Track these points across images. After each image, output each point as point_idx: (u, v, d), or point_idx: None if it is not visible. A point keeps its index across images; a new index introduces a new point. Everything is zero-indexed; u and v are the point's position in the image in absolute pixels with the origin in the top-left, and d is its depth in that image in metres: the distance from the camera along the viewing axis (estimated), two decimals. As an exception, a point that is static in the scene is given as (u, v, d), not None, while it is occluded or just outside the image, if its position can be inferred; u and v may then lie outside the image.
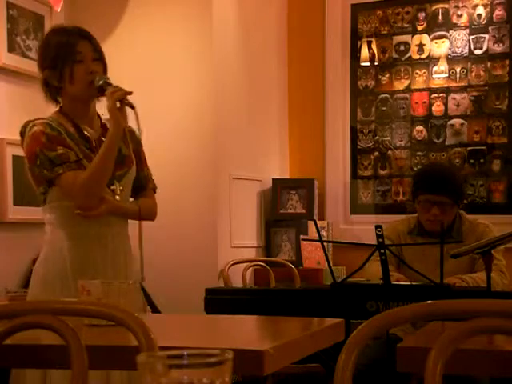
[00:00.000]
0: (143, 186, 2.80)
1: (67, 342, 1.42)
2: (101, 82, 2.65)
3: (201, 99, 4.27)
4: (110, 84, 2.65)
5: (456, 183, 3.40)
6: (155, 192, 2.85)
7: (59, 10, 4.12)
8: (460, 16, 4.69)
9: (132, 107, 2.62)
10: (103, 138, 2.69)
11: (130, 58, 4.27)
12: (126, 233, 2.75)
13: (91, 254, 2.62)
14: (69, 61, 2.62)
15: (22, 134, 2.66)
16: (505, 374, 1.62)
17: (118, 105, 2.59)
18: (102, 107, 2.78)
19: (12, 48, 4.02)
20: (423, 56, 4.77)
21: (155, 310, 3.39)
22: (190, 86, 4.29)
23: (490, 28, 4.63)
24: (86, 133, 2.68)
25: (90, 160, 2.62)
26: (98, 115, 2.79)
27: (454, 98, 4.70)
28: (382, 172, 4.87)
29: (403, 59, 4.82)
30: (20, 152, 4.03)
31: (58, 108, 2.72)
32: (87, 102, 2.70)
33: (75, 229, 2.62)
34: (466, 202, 4.58)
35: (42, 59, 2.68)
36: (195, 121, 4.26)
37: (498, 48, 4.61)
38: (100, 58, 2.69)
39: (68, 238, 2.61)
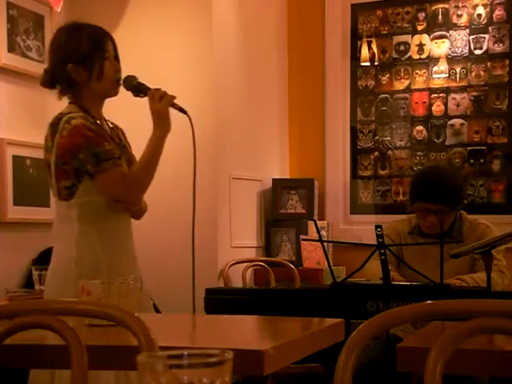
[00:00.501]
0: None
1: (67, 342, 1.42)
2: (134, 83, 2.71)
3: (201, 99, 4.27)
4: (144, 84, 2.71)
5: (453, 189, 3.36)
6: None
7: (59, 10, 4.13)
8: (460, 16, 4.69)
9: (184, 112, 2.70)
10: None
11: (130, 57, 4.25)
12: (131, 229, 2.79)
13: (119, 249, 2.66)
14: (99, 58, 2.65)
15: (55, 126, 2.59)
16: (505, 374, 1.62)
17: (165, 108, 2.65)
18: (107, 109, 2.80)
19: (12, 48, 4.02)
20: (423, 56, 4.77)
21: (155, 310, 3.39)
22: (190, 86, 4.29)
23: (490, 28, 4.63)
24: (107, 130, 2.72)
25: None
26: None
27: (454, 98, 4.70)
28: (381, 172, 4.87)
29: (403, 59, 4.82)
30: (20, 152, 4.05)
31: (70, 102, 2.70)
32: (104, 99, 2.73)
33: (104, 225, 2.63)
34: (465, 202, 4.58)
35: (67, 54, 2.65)
36: (195, 121, 4.24)
37: (498, 48, 4.61)
38: (117, 57, 2.74)
39: (98, 234, 2.61)
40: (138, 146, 2.78)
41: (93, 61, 2.64)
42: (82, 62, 2.64)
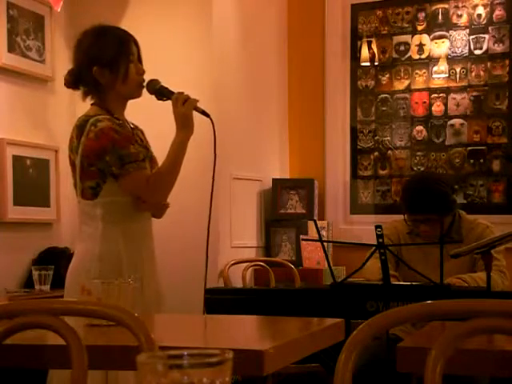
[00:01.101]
0: None
1: (67, 342, 1.42)
2: (157, 87, 2.74)
3: (201, 99, 4.26)
4: (167, 88, 2.75)
5: (439, 198, 3.32)
6: None
7: (59, 10, 4.13)
8: (460, 16, 4.69)
9: (207, 115, 2.73)
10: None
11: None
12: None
13: (140, 247, 2.69)
14: (124, 61, 2.67)
15: (82, 127, 2.62)
16: (505, 374, 1.62)
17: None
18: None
19: (12, 48, 4.02)
20: (423, 56, 4.77)
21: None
22: (189, 86, 4.28)
23: (489, 28, 4.63)
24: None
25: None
26: None
27: (454, 98, 4.70)
28: (381, 172, 4.87)
29: (403, 59, 4.82)
30: (20, 152, 4.05)
31: (93, 104, 2.72)
32: (127, 101, 2.76)
33: (127, 223, 2.66)
34: (465, 201, 4.58)
35: (93, 57, 2.67)
36: (195, 121, 4.25)
37: (498, 48, 4.61)
38: (140, 59, 2.77)
39: (122, 232, 2.64)
40: (156, 147, 2.82)
41: (118, 64, 2.67)
42: (107, 65, 2.66)
